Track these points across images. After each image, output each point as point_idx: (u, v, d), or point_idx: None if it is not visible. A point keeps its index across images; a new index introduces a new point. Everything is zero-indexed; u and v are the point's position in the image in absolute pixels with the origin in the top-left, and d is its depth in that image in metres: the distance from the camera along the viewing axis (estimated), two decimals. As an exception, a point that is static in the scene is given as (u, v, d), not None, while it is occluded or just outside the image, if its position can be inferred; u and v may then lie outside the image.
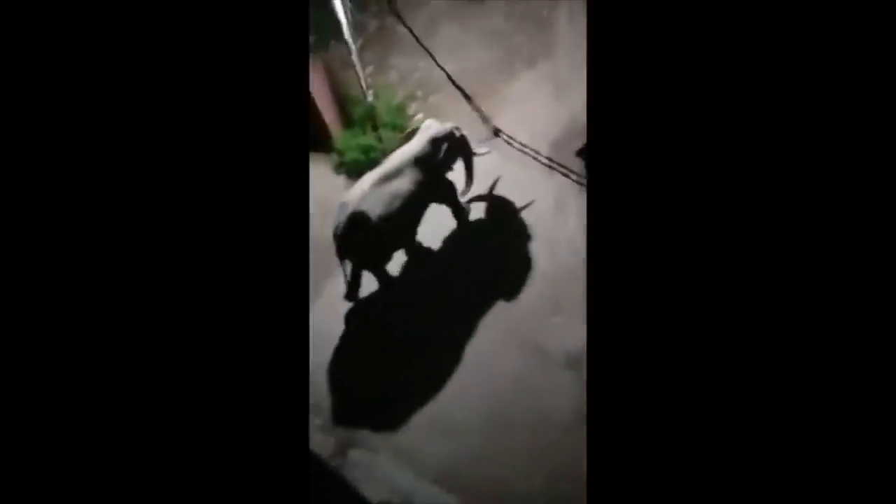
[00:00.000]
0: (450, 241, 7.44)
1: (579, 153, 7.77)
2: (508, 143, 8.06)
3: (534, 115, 8.18)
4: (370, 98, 8.43)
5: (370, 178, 6.88)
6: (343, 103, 8.56)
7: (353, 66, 8.35)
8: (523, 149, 7.98)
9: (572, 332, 6.58)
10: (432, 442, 6.38)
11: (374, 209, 6.68)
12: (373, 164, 8.33)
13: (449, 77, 7.23)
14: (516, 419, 6.38)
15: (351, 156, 8.18)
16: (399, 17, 7.53)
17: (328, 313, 7.04)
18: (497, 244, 7.35)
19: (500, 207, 7.56)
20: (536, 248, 7.29)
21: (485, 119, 8.16)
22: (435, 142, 7.06)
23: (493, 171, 7.90)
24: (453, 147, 7.16)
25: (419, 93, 8.67)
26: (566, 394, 6.35)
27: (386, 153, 8.29)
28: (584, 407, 3.58)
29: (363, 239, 6.69)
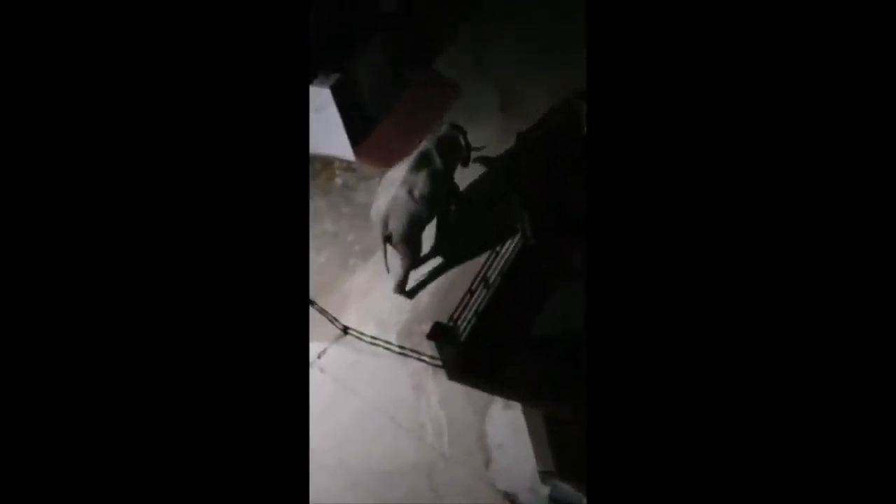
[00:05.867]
0: None
1: (430, 335, 7.88)
2: (359, 339, 8.10)
3: (378, 307, 8.33)
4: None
5: (400, 168, 8.22)
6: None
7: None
8: (374, 341, 8.02)
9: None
10: None
11: (415, 188, 8.07)
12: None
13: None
14: None
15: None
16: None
17: None
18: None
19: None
20: (401, 438, 7.18)
21: (331, 319, 8.19)
22: (452, 127, 8.66)
23: (347, 365, 7.88)
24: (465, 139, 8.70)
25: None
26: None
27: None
28: None
29: (411, 215, 8.02)
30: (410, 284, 8.42)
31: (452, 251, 8.54)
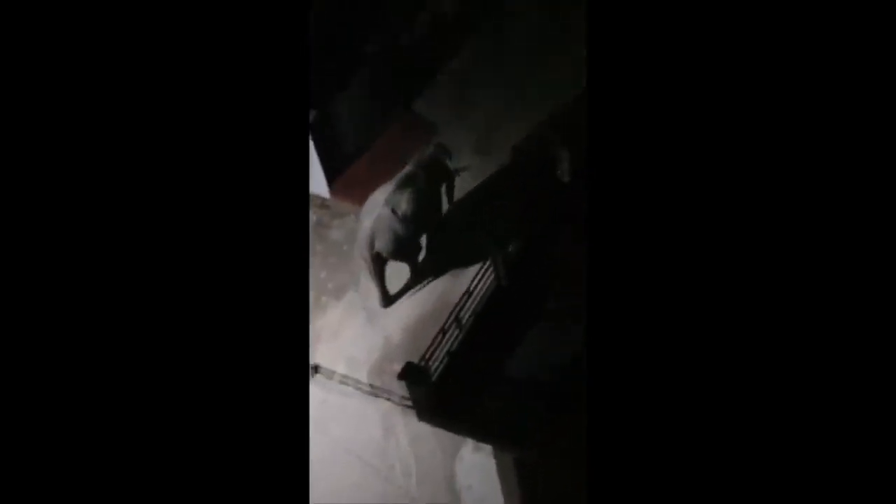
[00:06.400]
0: None
1: (401, 375, 7.84)
2: (329, 378, 8.03)
3: (349, 345, 8.27)
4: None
5: (385, 189, 8.19)
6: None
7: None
8: (344, 380, 7.96)
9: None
10: None
11: (398, 208, 8.05)
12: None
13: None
14: None
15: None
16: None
17: None
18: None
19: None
20: (369, 478, 7.09)
21: (301, 356, 8.11)
22: (439, 148, 8.74)
23: (317, 404, 7.78)
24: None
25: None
26: None
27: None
28: None
29: (395, 233, 7.99)
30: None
31: (426, 287, 8.55)
